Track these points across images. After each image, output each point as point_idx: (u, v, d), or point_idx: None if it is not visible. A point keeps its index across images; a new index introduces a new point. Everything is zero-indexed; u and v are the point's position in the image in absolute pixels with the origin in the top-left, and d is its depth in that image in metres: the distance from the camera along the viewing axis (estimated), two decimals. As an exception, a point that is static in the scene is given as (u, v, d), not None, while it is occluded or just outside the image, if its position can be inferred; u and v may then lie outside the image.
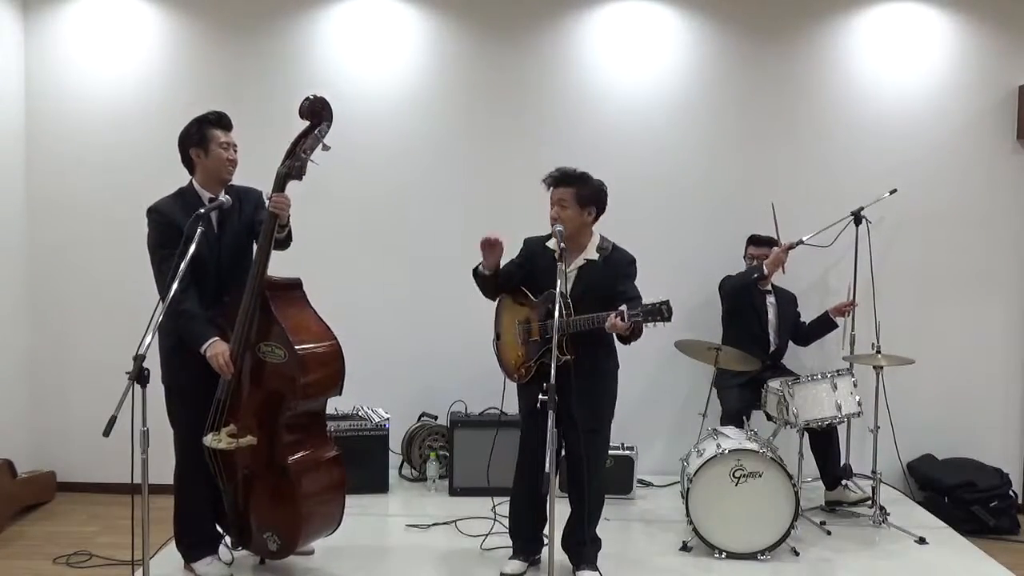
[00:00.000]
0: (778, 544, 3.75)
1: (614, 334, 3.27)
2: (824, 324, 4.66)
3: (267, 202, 3.24)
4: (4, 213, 4.64)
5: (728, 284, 4.58)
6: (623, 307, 3.13)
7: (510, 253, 3.54)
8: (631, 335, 3.21)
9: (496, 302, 3.61)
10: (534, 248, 3.51)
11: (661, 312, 3.13)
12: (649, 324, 3.16)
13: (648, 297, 3.22)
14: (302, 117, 3.23)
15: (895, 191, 4.71)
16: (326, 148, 3.23)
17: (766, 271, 4.41)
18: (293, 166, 3.21)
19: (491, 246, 3.34)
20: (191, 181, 3.37)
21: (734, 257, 4.72)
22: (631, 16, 4.91)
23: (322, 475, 3.41)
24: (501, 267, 3.45)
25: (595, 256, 3.40)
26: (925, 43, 4.89)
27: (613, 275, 3.39)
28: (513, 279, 3.50)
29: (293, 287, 3.42)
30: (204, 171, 3.33)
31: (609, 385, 3.49)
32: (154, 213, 3.29)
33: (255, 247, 3.34)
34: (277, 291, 3.31)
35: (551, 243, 3.43)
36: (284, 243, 3.35)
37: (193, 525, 3.48)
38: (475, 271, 3.47)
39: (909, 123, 4.90)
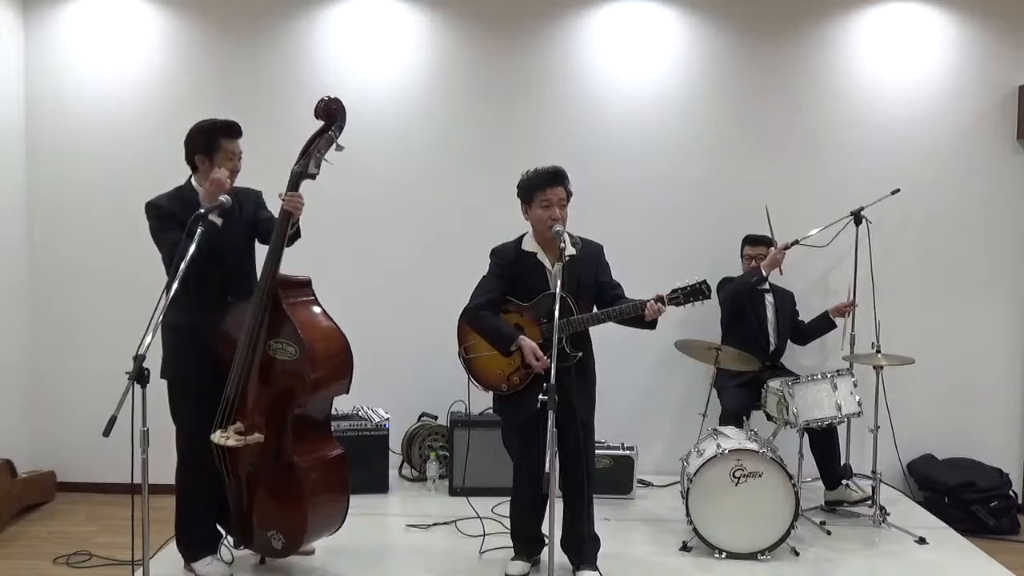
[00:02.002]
0: (778, 544, 3.75)
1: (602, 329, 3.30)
2: (823, 324, 4.66)
3: (281, 199, 3.24)
4: (4, 212, 4.63)
5: (726, 291, 4.56)
6: (661, 294, 3.23)
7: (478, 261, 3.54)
8: (655, 321, 3.29)
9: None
10: (508, 256, 3.48)
11: (702, 291, 3.26)
12: (690, 304, 3.26)
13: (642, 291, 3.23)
14: (317, 117, 3.26)
15: (897, 191, 4.70)
16: (340, 148, 3.26)
17: (764, 272, 4.41)
18: (307, 165, 3.24)
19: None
20: (190, 179, 3.37)
21: (733, 257, 4.72)
22: (631, 16, 4.91)
23: (328, 474, 3.41)
24: (485, 292, 3.46)
25: (573, 251, 3.40)
26: (925, 43, 4.89)
27: (593, 265, 3.45)
28: (499, 296, 3.45)
29: (303, 285, 3.44)
30: (206, 177, 3.33)
31: (594, 379, 3.54)
32: (152, 207, 3.30)
33: (254, 246, 3.35)
34: (288, 289, 3.33)
35: (527, 246, 3.44)
36: (292, 239, 3.36)
37: (194, 524, 3.47)
38: (485, 324, 3.41)
39: (909, 123, 4.90)
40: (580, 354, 3.34)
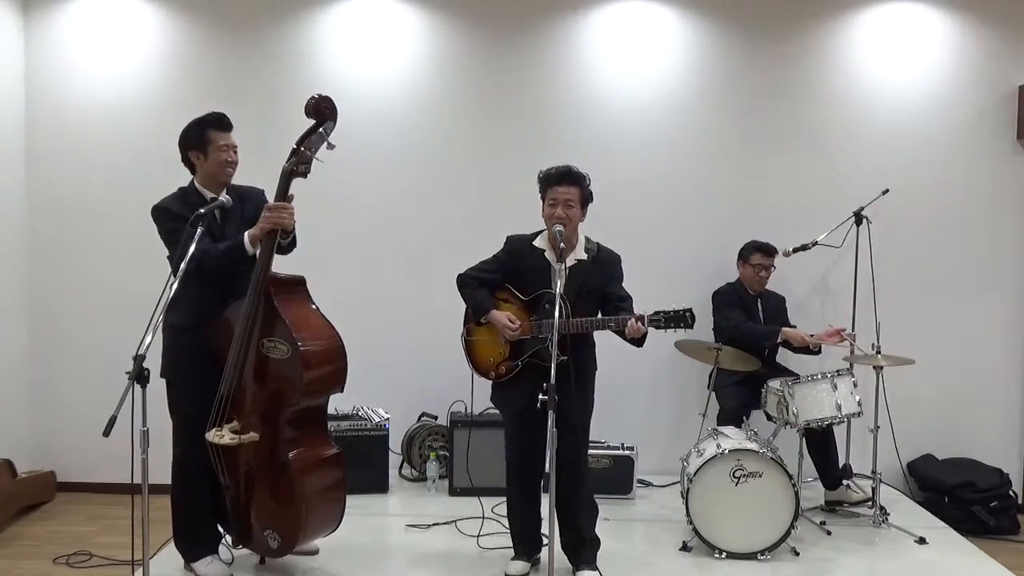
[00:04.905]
0: (778, 544, 3.76)
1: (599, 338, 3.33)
2: (809, 351, 4.51)
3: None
4: (4, 212, 4.63)
5: (736, 327, 4.46)
6: (643, 313, 3.21)
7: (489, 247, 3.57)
8: (642, 339, 3.27)
9: None
10: (519, 247, 3.50)
11: (684, 319, 3.22)
12: (671, 329, 3.23)
13: (643, 300, 3.26)
14: (307, 115, 3.25)
15: (887, 191, 4.72)
16: (331, 147, 3.26)
17: (777, 339, 4.41)
18: (298, 164, 3.23)
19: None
20: (192, 181, 3.39)
21: (734, 258, 4.71)
22: (631, 16, 4.91)
23: (322, 473, 3.41)
24: (483, 267, 3.52)
25: (584, 256, 3.42)
26: (925, 43, 4.89)
27: (603, 274, 3.42)
28: (495, 278, 3.49)
29: (297, 284, 3.43)
30: (204, 173, 3.35)
31: (592, 383, 3.53)
32: (158, 211, 3.32)
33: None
34: (281, 288, 3.32)
35: (539, 242, 3.45)
36: (288, 248, 3.37)
37: (193, 524, 3.47)
38: (469, 291, 3.49)
39: (909, 123, 4.89)
40: (564, 358, 3.25)
